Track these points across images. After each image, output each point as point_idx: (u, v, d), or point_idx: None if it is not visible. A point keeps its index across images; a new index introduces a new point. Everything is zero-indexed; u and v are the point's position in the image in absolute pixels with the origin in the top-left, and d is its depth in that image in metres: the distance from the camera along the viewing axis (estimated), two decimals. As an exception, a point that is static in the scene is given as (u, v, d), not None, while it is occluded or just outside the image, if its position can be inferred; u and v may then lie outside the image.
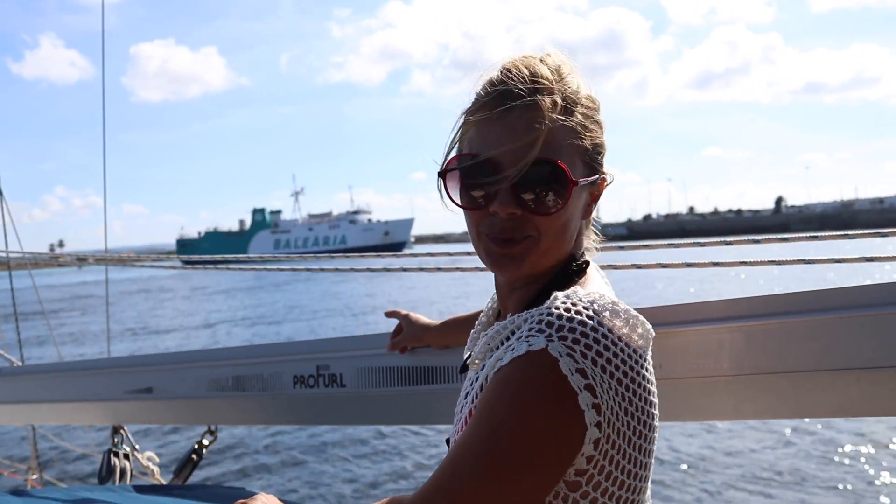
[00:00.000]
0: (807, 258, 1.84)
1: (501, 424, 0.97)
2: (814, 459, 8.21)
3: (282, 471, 8.71)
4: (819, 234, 1.80)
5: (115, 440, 2.75)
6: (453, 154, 1.20)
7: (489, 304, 1.41)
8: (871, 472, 7.72)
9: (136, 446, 2.80)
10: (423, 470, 8.34)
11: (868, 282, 1.44)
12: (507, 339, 1.11)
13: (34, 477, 4.93)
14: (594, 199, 1.22)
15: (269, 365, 2.19)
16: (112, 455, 2.70)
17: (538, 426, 0.96)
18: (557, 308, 1.01)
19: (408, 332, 1.88)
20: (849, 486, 7.29)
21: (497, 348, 1.13)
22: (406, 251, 2.68)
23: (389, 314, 1.95)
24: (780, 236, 2.04)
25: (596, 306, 1.01)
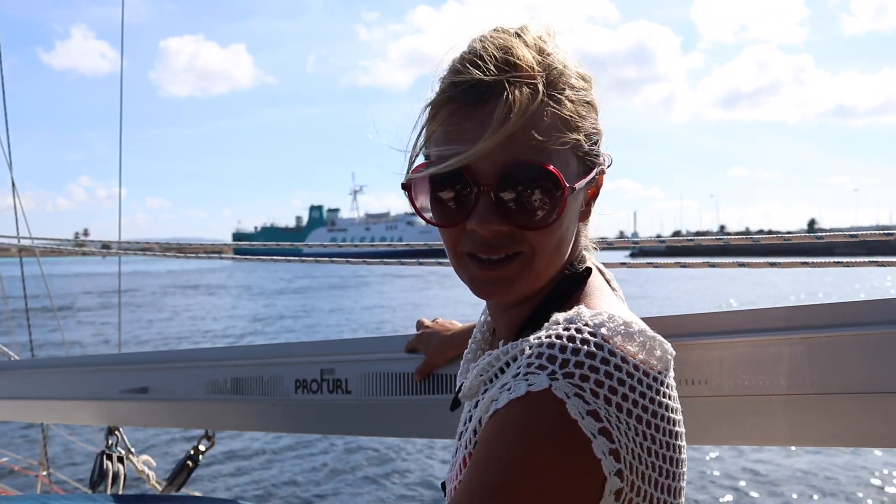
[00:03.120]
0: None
1: (502, 484, 0.79)
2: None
3: (281, 482, 8.51)
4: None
5: (110, 442, 2.60)
6: (420, 160, 1.00)
7: (482, 318, 1.23)
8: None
9: (132, 449, 2.64)
10: (433, 489, 8.08)
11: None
12: (503, 370, 0.93)
13: (44, 473, 4.84)
14: (593, 195, 1.04)
15: (270, 367, 2.02)
16: (105, 458, 2.55)
17: (547, 483, 0.78)
18: (560, 337, 0.84)
19: (430, 356, 1.68)
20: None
21: (491, 380, 0.95)
22: None
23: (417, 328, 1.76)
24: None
25: (605, 330, 0.84)
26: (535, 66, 0.93)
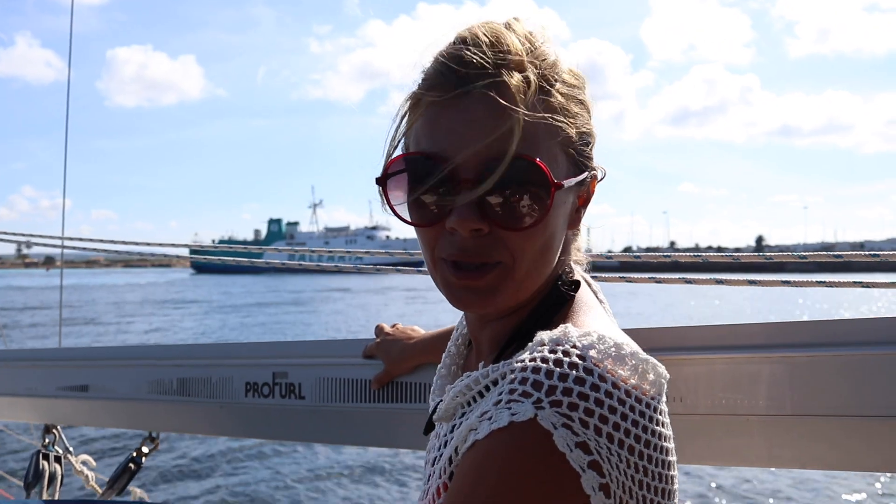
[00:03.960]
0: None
1: None
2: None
3: (229, 487, 8.31)
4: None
5: (46, 441, 2.46)
6: (398, 152, 0.93)
7: (458, 331, 1.14)
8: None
9: (70, 448, 2.50)
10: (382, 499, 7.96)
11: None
12: (482, 394, 0.85)
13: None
14: (583, 202, 0.96)
15: (220, 368, 1.91)
16: (41, 457, 2.40)
17: None
18: (546, 360, 0.76)
19: (389, 365, 1.59)
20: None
21: (469, 403, 0.87)
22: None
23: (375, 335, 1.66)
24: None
25: (595, 353, 0.77)
26: (524, 56, 0.87)
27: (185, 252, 3.02)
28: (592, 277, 1.12)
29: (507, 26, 0.91)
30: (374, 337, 1.65)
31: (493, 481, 0.73)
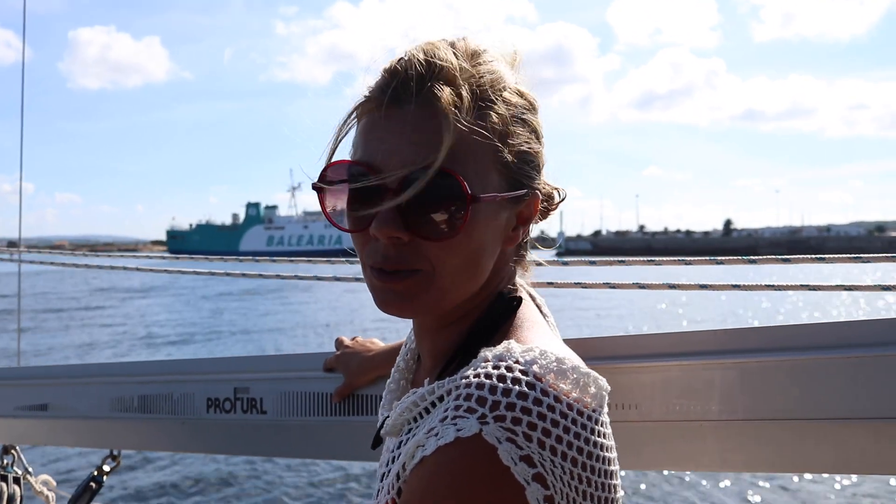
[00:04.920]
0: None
1: None
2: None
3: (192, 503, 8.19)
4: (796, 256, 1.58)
5: (5, 461, 2.41)
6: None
7: (407, 345, 1.16)
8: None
9: (30, 469, 2.46)
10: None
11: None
12: (428, 410, 0.87)
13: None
14: (522, 220, 0.97)
15: (180, 384, 1.89)
16: (0, 479, 2.36)
17: None
18: (490, 377, 0.78)
19: (350, 377, 1.60)
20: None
21: (416, 419, 0.89)
22: None
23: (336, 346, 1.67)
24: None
25: (537, 368, 0.79)
26: (458, 73, 0.89)
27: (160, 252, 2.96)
28: (576, 283, 1.13)
29: (452, 45, 0.93)
30: (335, 350, 1.65)
31: (442, 495, 0.74)
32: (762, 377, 1.23)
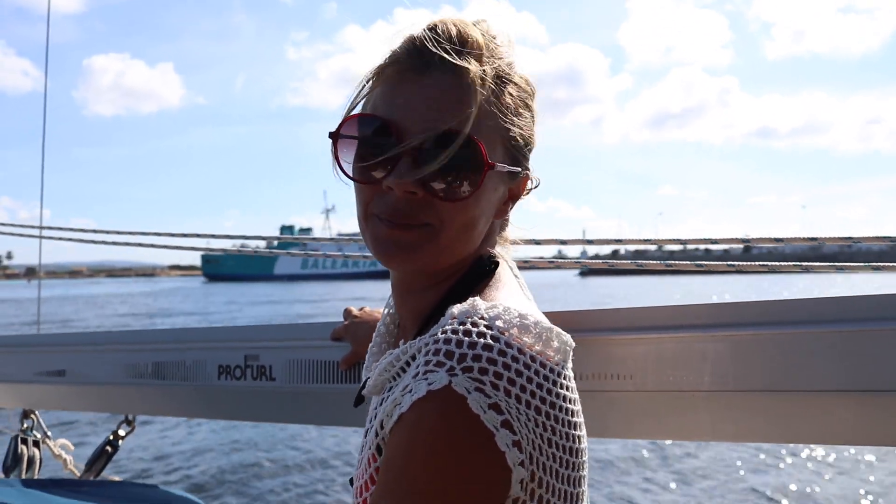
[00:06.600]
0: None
1: (416, 488, 0.78)
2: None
3: (203, 468, 8.34)
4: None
5: (25, 425, 2.50)
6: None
7: (386, 311, 1.22)
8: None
9: (48, 433, 2.54)
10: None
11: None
12: (404, 369, 0.93)
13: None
14: (512, 197, 1.05)
15: (193, 352, 1.95)
16: (20, 442, 2.44)
17: (458, 480, 0.78)
18: (456, 332, 0.84)
19: (356, 346, 1.65)
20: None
21: (394, 378, 0.95)
22: None
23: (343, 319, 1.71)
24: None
25: (500, 323, 0.85)
26: (484, 53, 0.96)
27: (191, 245, 3.01)
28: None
29: (475, 24, 1.00)
30: (343, 320, 1.70)
31: (419, 448, 0.80)
32: (753, 350, 1.27)
